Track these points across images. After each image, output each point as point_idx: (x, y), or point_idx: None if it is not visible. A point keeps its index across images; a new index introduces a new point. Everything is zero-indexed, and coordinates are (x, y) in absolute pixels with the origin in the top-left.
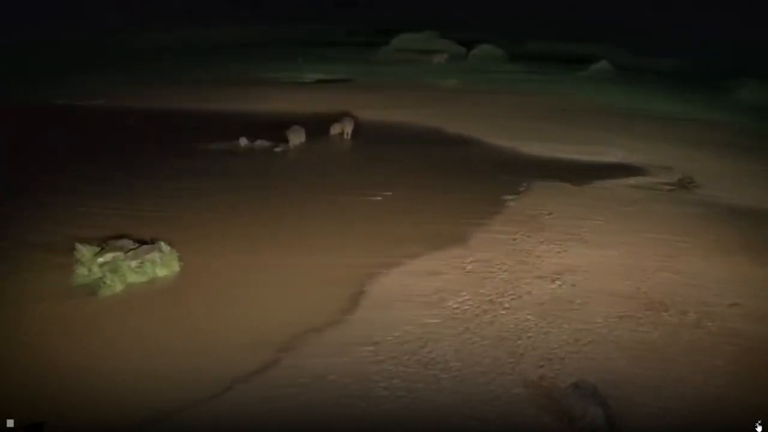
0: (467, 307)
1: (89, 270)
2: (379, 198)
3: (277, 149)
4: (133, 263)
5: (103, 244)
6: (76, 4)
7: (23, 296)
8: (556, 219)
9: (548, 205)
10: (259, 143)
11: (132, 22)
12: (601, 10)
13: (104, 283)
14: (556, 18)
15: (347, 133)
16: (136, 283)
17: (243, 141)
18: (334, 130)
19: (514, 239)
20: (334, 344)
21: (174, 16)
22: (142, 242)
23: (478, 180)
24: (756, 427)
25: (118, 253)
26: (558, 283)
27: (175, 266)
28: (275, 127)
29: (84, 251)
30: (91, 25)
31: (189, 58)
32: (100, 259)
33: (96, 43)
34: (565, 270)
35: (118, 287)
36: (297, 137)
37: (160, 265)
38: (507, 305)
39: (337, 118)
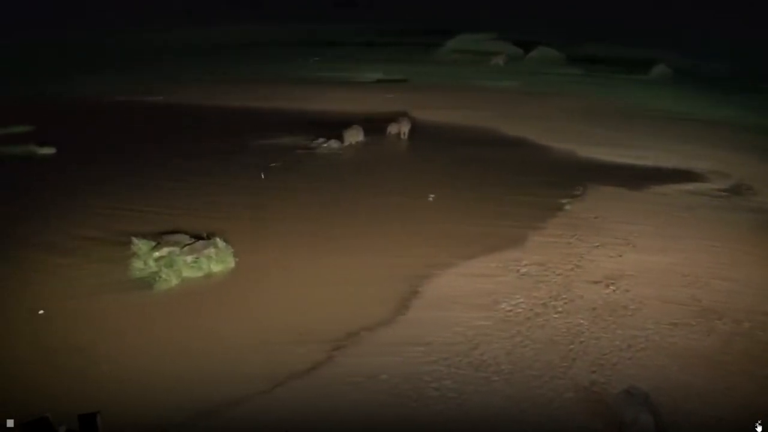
0: (520, 310)
1: (145, 264)
2: (431, 199)
3: (335, 148)
4: (189, 258)
5: (159, 238)
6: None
7: (80, 289)
8: (611, 223)
9: (604, 209)
10: (317, 142)
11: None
12: (660, 14)
13: (160, 277)
14: (613, 21)
15: (404, 133)
16: (191, 278)
17: (301, 139)
18: (392, 129)
19: (569, 243)
20: (387, 344)
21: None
22: (197, 237)
23: (534, 183)
24: (756, 427)
25: (173, 248)
26: (612, 288)
27: (230, 262)
28: (333, 126)
29: (140, 245)
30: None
31: (237, 57)
32: (156, 254)
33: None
34: (619, 275)
35: (174, 281)
36: (354, 136)
37: (215, 260)
38: (560, 309)
39: (395, 117)
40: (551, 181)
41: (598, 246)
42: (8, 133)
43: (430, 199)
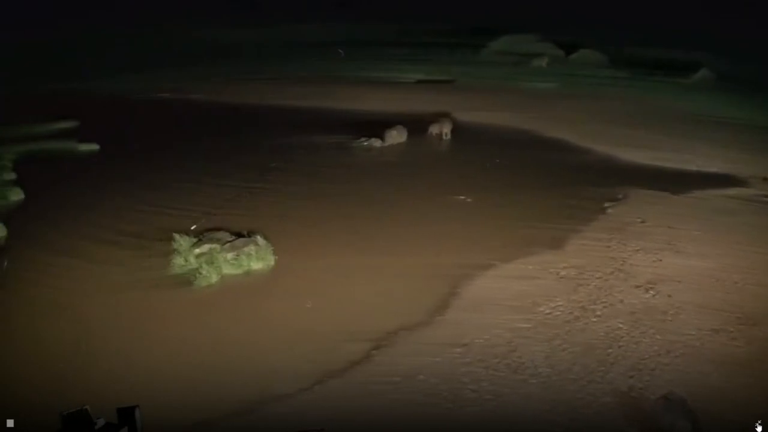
0: (559, 313)
1: (186, 260)
2: (468, 200)
3: (376, 147)
4: (229, 255)
5: (200, 235)
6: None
7: (122, 284)
8: (652, 228)
9: (645, 213)
10: (358, 141)
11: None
12: (703, 18)
13: (200, 273)
14: (656, 23)
15: (446, 134)
16: (231, 275)
17: (342, 138)
18: (433, 130)
19: (609, 246)
20: (425, 344)
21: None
22: (238, 235)
23: (575, 185)
24: (756, 427)
25: (214, 245)
26: (652, 292)
27: (270, 260)
28: (375, 125)
29: (181, 241)
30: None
31: (275, 56)
32: (197, 250)
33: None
34: (659, 279)
35: (214, 278)
36: (397, 136)
37: (256, 258)
38: (599, 313)
39: (436, 118)
40: (592, 184)
41: (638, 250)
42: (51, 129)
43: (466, 199)
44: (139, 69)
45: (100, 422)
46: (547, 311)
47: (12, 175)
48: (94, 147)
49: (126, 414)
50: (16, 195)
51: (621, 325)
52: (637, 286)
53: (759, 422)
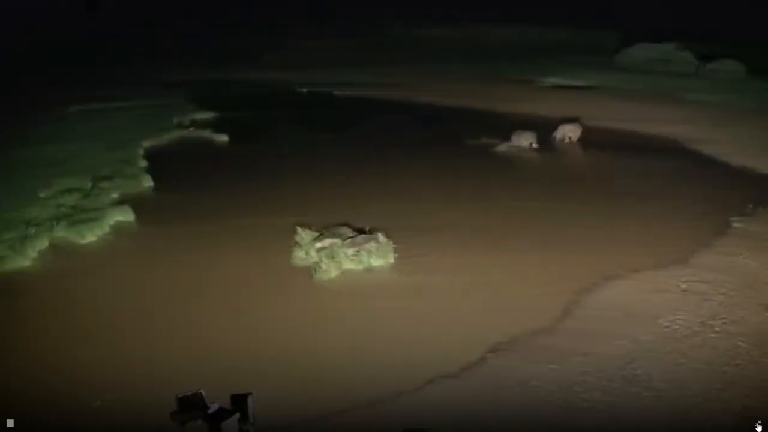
0: (679, 327)
1: (307, 254)
2: (593, 207)
3: (503, 150)
4: (350, 251)
5: (323, 229)
6: None
7: (242, 274)
8: None
9: None
10: (487, 142)
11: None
12: None
13: (320, 267)
14: None
15: (575, 139)
16: (351, 271)
17: (470, 138)
18: (564, 135)
19: (737, 262)
20: (543, 351)
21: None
22: (360, 231)
23: (707, 198)
24: (756, 427)
25: (335, 240)
26: None
27: (390, 257)
28: (507, 128)
29: (303, 235)
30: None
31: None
32: (318, 244)
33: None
34: None
35: (333, 273)
36: (526, 139)
37: (376, 255)
38: (720, 329)
39: (568, 123)
40: (726, 197)
41: (766, 268)
42: (185, 119)
43: (591, 208)
44: (270, 63)
45: (214, 407)
46: (667, 324)
47: (144, 163)
48: (225, 138)
49: (239, 401)
50: (147, 182)
51: (742, 344)
52: (763, 305)
53: (759, 422)
